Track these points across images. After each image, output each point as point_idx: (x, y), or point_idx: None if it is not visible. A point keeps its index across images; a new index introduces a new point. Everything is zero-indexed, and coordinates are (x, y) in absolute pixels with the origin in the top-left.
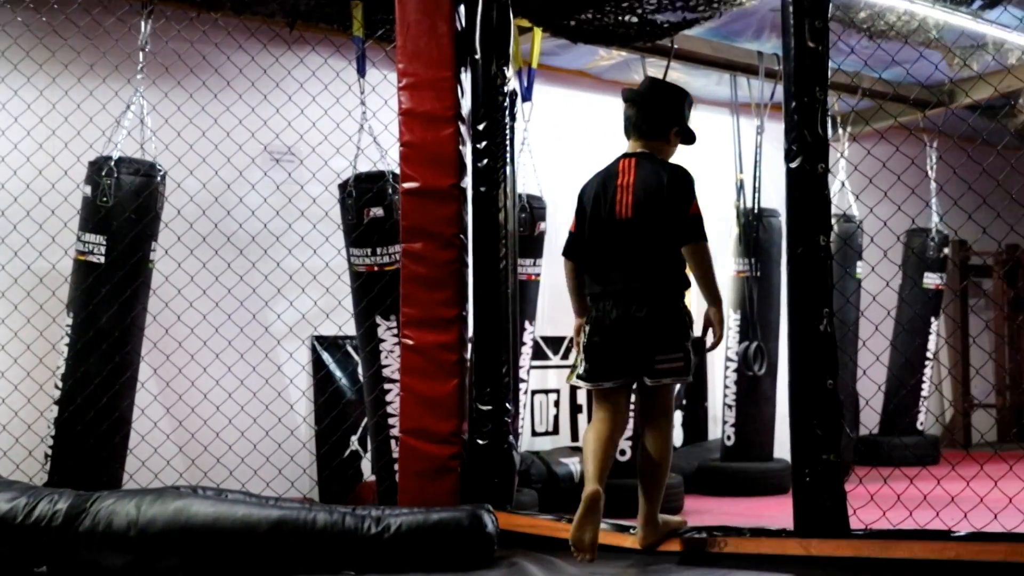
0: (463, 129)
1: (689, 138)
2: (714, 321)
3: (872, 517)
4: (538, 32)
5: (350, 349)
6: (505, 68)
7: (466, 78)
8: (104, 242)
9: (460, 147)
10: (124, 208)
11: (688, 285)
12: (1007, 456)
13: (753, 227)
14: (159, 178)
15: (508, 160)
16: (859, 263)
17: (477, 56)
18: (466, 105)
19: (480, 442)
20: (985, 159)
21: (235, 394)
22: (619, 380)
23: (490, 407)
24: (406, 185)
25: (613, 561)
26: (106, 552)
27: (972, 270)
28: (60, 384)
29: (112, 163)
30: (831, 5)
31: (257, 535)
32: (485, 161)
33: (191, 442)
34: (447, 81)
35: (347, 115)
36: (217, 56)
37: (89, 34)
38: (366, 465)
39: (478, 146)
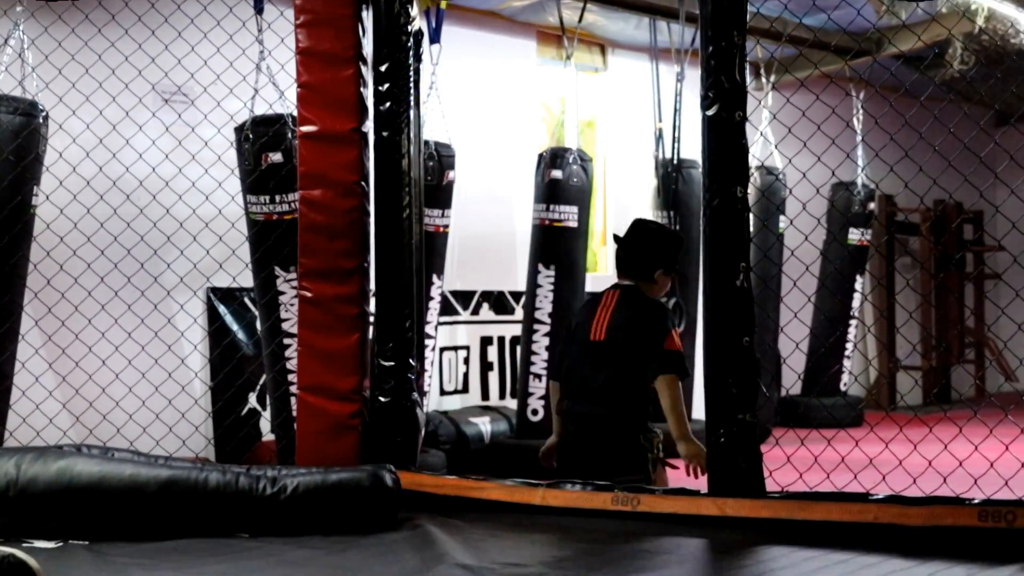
0: (364, 71)
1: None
2: (688, 458)
3: (789, 479)
4: None
5: (247, 301)
6: (409, 6)
7: (368, 16)
8: None
9: (361, 89)
10: (2, 150)
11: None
12: (928, 419)
13: (672, 179)
14: (40, 118)
15: (412, 104)
16: (780, 217)
17: None
18: (368, 45)
19: (382, 399)
20: (910, 110)
21: (123, 348)
22: None
23: (392, 363)
24: (304, 129)
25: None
26: None
27: (898, 226)
28: None
29: None
30: None
31: (145, 496)
32: (388, 104)
33: (76, 398)
34: (347, 19)
35: (242, 54)
36: None
37: None
38: (265, 424)
39: (380, 88)
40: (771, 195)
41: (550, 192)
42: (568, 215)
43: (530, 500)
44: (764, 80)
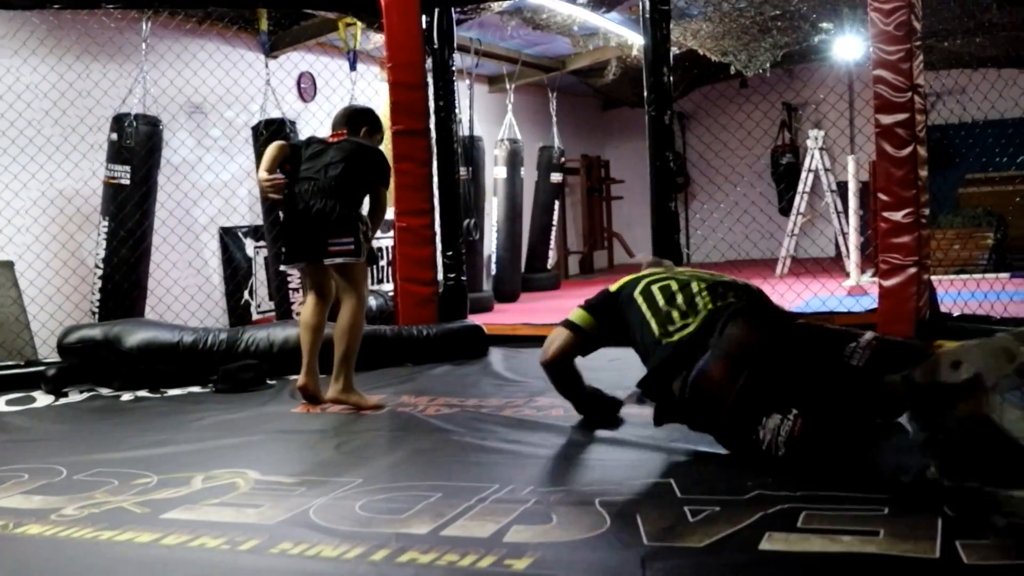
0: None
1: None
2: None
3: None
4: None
5: (239, 234)
6: (451, 56)
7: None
8: None
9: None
10: (143, 146)
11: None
12: (588, 282)
13: (468, 147)
14: (160, 127)
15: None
16: (523, 168)
17: None
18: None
19: (448, 283)
20: (575, 105)
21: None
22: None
23: (452, 262)
24: (395, 127)
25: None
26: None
27: (567, 170)
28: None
29: None
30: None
31: (371, 342)
32: (441, 113)
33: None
34: (419, 63)
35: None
36: None
37: None
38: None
39: (438, 103)
40: (517, 154)
41: None
42: None
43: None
44: (508, 84)
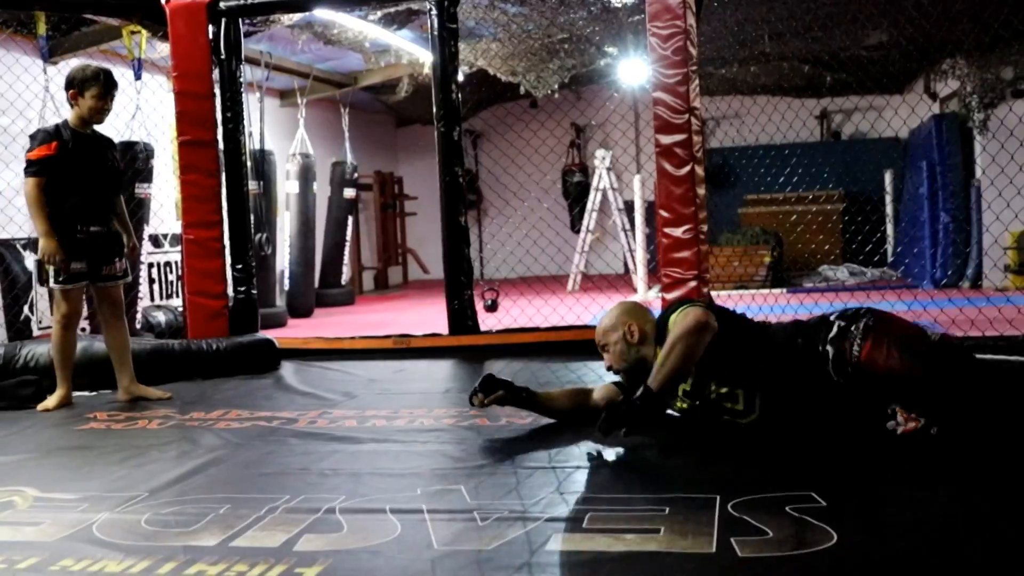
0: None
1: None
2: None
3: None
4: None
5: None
6: (239, 67)
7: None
8: None
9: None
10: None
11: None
12: (382, 297)
13: (258, 160)
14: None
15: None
16: (315, 183)
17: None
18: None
19: (238, 296)
20: (369, 121)
21: None
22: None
23: (243, 274)
24: (182, 138)
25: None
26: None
27: (361, 186)
28: None
29: None
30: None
31: (143, 358)
32: (229, 124)
33: None
34: (206, 73)
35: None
36: None
37: None
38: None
39: (226, 114)
40: (307, 169)
41: None
42: None
43: (341, 346)
44: (300, 99)
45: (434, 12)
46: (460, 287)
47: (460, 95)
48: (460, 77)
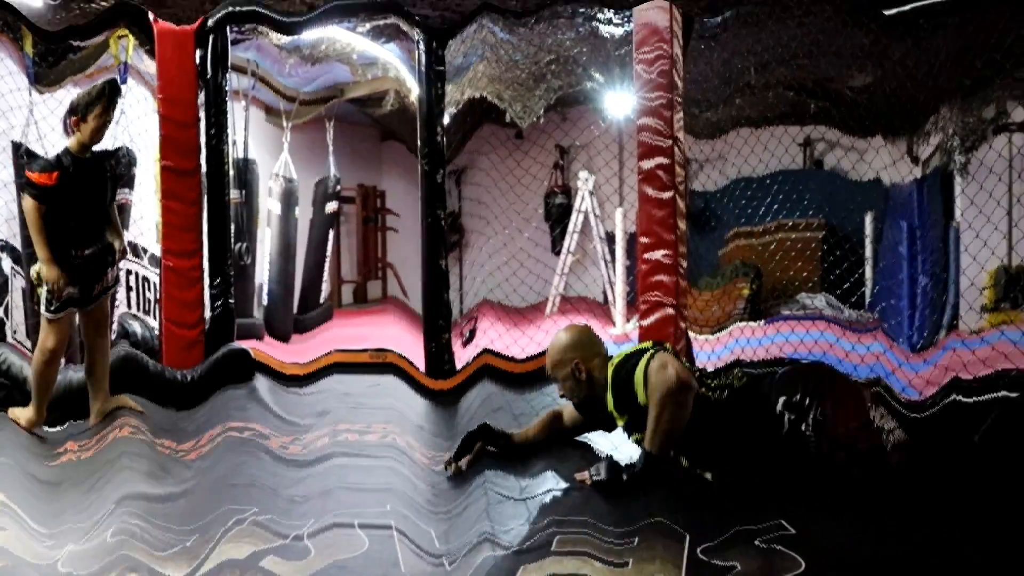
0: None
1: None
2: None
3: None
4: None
5: None
6: (226, 90)
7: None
8: None
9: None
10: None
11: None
12: (361, 311)
13: (241, 169)
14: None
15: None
16: (298, 208)
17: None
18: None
19: (216, 314)
20: (354, 134)
21: None
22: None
23: (221, 299)
24: (164, 163)
25: None
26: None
27: (343, 199)
28: None
29: None
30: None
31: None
32: (214, 144)
33: None
34: (193, 99)
35: None
36: None
37: None
38: None
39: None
40: (290, 193)
41: None
42: None
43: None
44: (285, 122)
45: (422, 47)
46: (438, 331)
47: (445, 138)
48: (446, 119)
